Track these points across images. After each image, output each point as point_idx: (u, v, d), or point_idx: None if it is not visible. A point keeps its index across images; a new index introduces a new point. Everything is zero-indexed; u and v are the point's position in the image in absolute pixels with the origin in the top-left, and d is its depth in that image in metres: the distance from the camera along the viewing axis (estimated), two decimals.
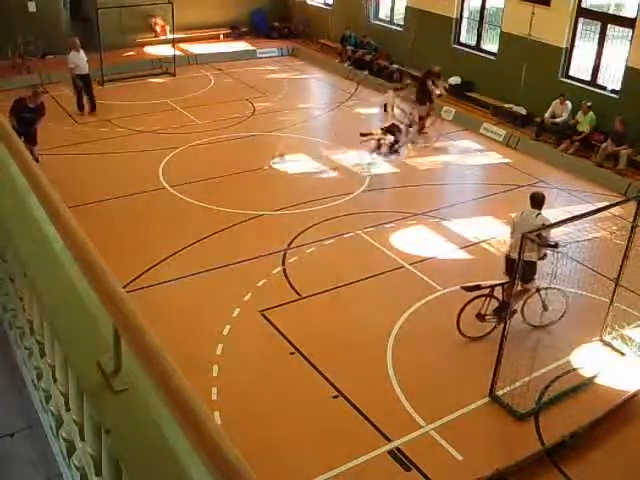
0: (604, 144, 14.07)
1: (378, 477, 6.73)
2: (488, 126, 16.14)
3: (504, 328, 7.33)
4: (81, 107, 16.15)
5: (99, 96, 17.20)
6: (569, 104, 15.00)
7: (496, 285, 8.42)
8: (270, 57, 22.22)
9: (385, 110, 14.36)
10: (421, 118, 15.00)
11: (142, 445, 2.00)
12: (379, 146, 13.84)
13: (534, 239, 7.07)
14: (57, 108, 16.33)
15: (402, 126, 13.94)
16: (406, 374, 7.99)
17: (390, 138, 13.69)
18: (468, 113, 16.98)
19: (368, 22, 21.11)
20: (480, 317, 8.54)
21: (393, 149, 13.80)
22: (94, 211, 11.33)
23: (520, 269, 7.15)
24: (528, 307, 8.59)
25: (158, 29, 21.78)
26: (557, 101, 15.13)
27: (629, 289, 8.84)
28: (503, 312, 7.99)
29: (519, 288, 7.95)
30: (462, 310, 8.39)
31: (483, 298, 8.43)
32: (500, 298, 8.44)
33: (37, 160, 12.99)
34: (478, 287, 8.35)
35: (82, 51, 15.97)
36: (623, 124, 13.77)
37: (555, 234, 9.82)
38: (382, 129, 13.82)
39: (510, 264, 8.13)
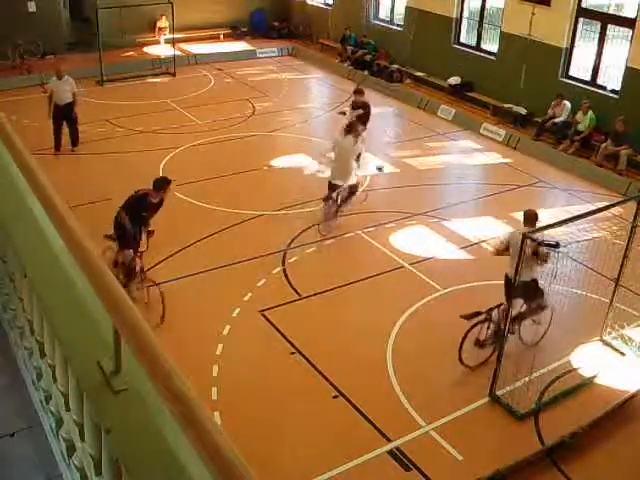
0: (604, 144, 14.07)
1: (378, 477, 6.73)
2: (488, 126, 16.13)
3: (504, 328, 7.33)
4: (58, 145, 13.66)
5: (99, 96, 17.23)
6: (567, 104, 15.00)
7: (493, 309, 7.96)
8: (270, 57, 22.22)
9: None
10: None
11: (142, 445, 2.00)
12: None
13: (534, 239, 7.06)
14: None
15: None
16: (406, 374, 7.99)
17: None
18: (468, 113, 16.98)
19: (368, 22, 21.11)
20: (479, 343, 8.00)
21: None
22: (94, 211, 11.31)
23: (520, 289, 6.97)
24: (524, 328, 8.22)
25: (162, 28, 21.72)
26: (554, 102, 15.14)
27: (629, 289, 8.84)
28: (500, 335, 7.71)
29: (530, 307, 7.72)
30: (464, 339, 7.86)
31: (481, 324, 7.96)
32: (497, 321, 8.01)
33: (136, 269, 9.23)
34: (477, 314, 7.99)
35: (68, 78, 13.46)
36: (624, 124, 13.77)
37: (555, 234, 9.83)
38: None
39: (507, 284, 7.81)
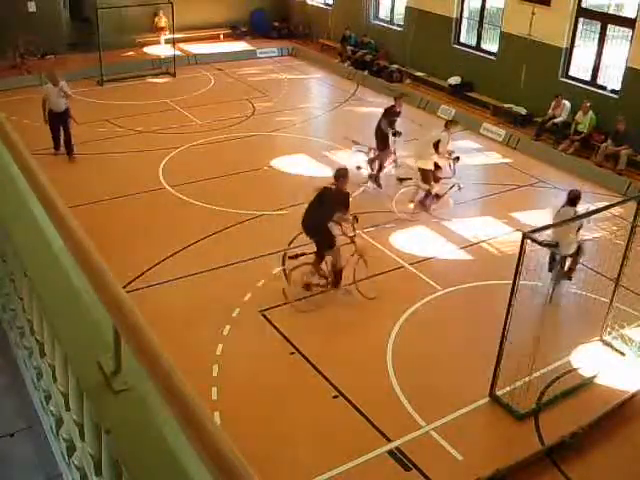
0: (604, 144, 14.07)
1: (378, 477, 6.73)
2: (488, 126, 16.14)
3: (504, 328, 7.34)
4: (57, 146, 13.67)
5: (98, 96, 17.24)
6: (567, 104, 15.02)
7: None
8: (270, 57, 22.22)
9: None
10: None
11: (142, 445, 2.00)
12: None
13: (535, 239, 7.07)
14: None
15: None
16: (406, 374, 7.99)
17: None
18: (468, 113, 16.98)
19: (368, 22, 21.11)
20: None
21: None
22: (94, 211, 11.32)
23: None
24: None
25: (162, 28, 21.70)
26: (554, 102, 15.15)
27: (629, 289, 8.84)
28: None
29: None
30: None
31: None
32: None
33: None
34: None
35: (63, 84, 13.27)
36: (624, 124, 13.77)
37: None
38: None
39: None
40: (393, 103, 12.97)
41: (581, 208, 9.47)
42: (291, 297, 9.11)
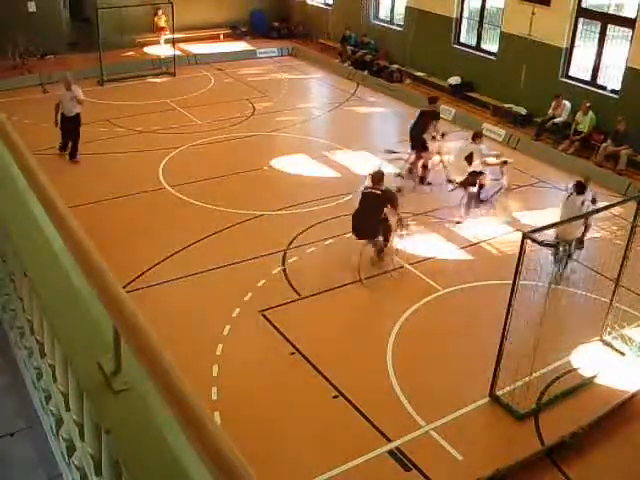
0: (604, 144, 14.07)
1: (378, 477, 6.73)
2: (488, 126, 16.11)
3: (504, 328, 7.34)
4: (64, 146, 13.70)
5: (99, 96, 17.23)
6: (567, 104, 15.02)
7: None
8: (270, 57, 22.22)
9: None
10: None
11: (142, 445, 2.00)
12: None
13: (535, 239, 7.07)
14: None
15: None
16: (406, 374, 7.99)
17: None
18: (468, 113, 16.97)
19: (368, 22, 21.11)
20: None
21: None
22: (94, 211, 11.33)
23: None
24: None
25: (162, 28, 21.69)
26: (554, 102, 15.15)
27: (629, 289, 8.84)
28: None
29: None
30: None
31: None
32: None
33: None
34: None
35: (76, 89, 13.27)
36: (625, 124, 13.76)
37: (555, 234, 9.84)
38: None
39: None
40: (430, 107, 13.19)
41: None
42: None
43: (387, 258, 10.10)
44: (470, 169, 11.52)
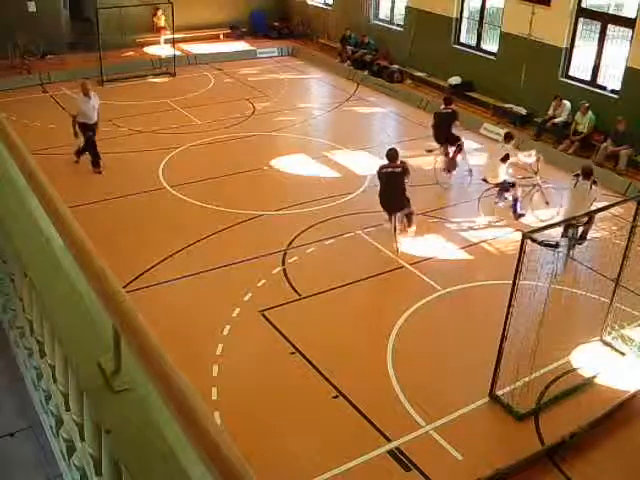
0: (604, 144, 14.06)
1: (378, 477, 6.73)
2: (488, 126, 16.13)
3: (504, 328, 7.34)
4: (96, 162, 13.05)
5: (99, 96, 17.18)
6: (567, 104, 15.01)
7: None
8: (270, 57, 22.22)
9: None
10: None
11: (142, 445, 2.00)
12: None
13: (535, 239, 7.07)
14: (57, 108, 16.33)
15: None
16: (406, 374, 7.99)
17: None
18: (468, 113, 16.94)
19: (368, 22, 21.11)
20: None
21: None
22: (94, 211, 11.33)
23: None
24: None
25: (162, 28, 21.68)
26: (554, 103, 15.15)
27: (629, 289, 8.84)
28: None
29: None
30: None
31: None
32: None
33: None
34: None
35: (94, 96, 12.85)
36: (624, 124, 13.75)
37: (556, 234, 9.84)
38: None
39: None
40: (450, 107, 13.50)
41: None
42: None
43: (414, 218, 10.91)
44: (500, 178, 11.71)
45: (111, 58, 18.93)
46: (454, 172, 13.41)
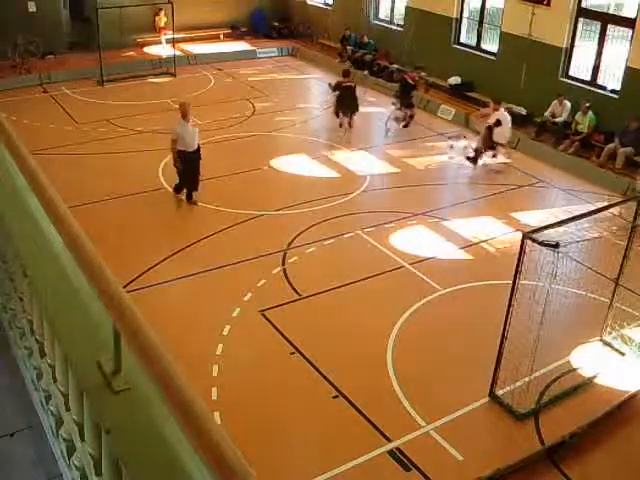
0: (609, 145, 13.94)
1: (378, 477, 6.73)
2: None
3: (504, 328, 7.34)
4: (190, 195, 11.81)
5: (99, 96, 17.25)
6: (568, 104, 15.01)
7: None
8: (270, 57, 22.22)
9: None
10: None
11: (142, 445, 2.00)
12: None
13: (535, 239, 7.07)
14: (57, 108, 16.34)
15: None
16: (406, 374, 7.99)
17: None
18: (468, 113, 16.96)
19: (368, 22, 21.11)
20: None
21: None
22: (94, 211, 11.32)
23: None
24: None
25: (163, 28, 21.66)
26: (555, 102, 15.15)
27: (629, 289, 8.84)
28: None
29: None
30: None
31: None
32: None
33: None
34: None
35: (191, 121, 11.58)
36: (638, 122, 13.59)
37: (556, 234, 9.82)
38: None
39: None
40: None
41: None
42: None
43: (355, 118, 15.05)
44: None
45: (111, 58, 18.94)
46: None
